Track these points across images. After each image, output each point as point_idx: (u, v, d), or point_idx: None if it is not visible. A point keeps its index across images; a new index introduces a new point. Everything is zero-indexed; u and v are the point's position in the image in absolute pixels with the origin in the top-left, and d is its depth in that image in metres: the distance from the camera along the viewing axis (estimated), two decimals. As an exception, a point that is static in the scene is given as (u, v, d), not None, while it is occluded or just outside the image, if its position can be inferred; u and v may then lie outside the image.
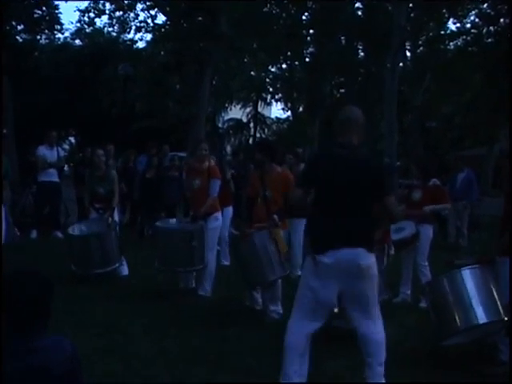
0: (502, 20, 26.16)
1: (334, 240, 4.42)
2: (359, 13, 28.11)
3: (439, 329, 5.62)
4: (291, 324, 4.67)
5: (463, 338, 5.65)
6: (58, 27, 25.69)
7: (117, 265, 8.89)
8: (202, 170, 8.26)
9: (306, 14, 28.19)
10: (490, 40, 27.09)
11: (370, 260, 4.51)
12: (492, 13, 26.17)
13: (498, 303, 5.34)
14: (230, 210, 10.35)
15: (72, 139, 17.81)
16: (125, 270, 9.12)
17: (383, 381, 4.65)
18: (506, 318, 5.33)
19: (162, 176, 13.63)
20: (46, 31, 26.02)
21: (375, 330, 4.63)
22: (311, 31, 29.32)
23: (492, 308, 5.36)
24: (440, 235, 13.37)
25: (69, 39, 34.58)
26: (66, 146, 16.24)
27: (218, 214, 8.39)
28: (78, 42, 35.08)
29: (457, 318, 5.39)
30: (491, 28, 26.74)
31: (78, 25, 28.96)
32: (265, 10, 26.17)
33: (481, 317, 5.31)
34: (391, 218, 5.18)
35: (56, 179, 12.91)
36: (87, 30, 32.09)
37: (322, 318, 4.63)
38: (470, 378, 5.35)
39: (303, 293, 4.60)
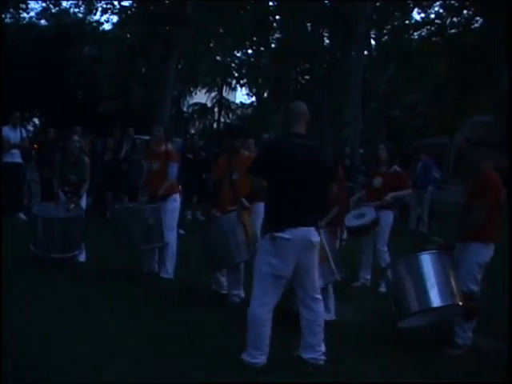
0: (465, 11, 26.53)
1: (292, 219, 4.92)
2: (326, 0, 28.18)
3: (397, 310, 5.78)
4: (254, 302, 5.01)
5: (421, 321, 5.80)
6: (23, 6, 25.26)
7: (76, 252, 8.75)
8: (159, 152, 8.39)
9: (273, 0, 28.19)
10: (453, 31, 27.45)
11: (317, 237, 5.11)
12: (456, 4, 26.50)
13: (455, 288, 5.51)
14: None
15: (36, 120, 17.59)
16: (82, 257, 8.96)
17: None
18: (461, 303, 5.50)
19: (120, 158, 13.67)
20: (11, 10, 25.55)
21: (317, 316, 5.19)
22: (278, 17, 29.33)
23: (448, 292, 5.52)
24: (401, 221, 13.61)
25: (34, 19, 33.98)
26: (31, 128, 16.05)
27: (177, 196, 8.51)
28: (43, 22, 34.48)
29: (413, 300, 5.55)
30: (455, 19, 27.10)
31: (44, 5, 28.51)
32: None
33: (435, 300, 5.48)
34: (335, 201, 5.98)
35: (19, 160, 12.77)
36: (53, 11, 31.59)
37: (279, 291, 5.06)
38: (428, 359, 5.52)
39: (263, 270, 4.98)
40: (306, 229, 4.96)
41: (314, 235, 5.03)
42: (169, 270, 8.25)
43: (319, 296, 5.23)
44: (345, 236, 7.55)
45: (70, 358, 5.01)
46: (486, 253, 5.70)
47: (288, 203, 4.93)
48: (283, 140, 5.27)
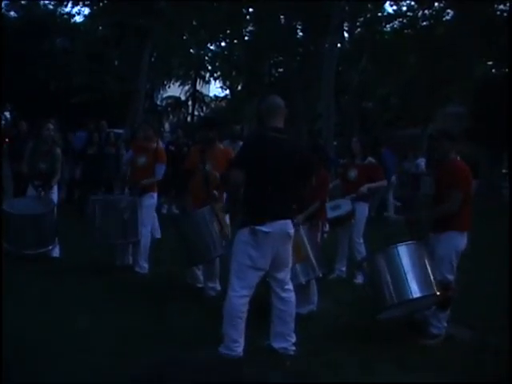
0: (436, 4, 26.72)
1: (271, 213, 5.01)
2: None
3: (375, 303, 5.81)
4: (232, 293, 5.05)
5: (397, 312, 5.85)
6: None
7: (50, 247, 8.68)
8: (149, 148, 8.35)
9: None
10: (425, 23, 27.65)
11: (293, 229, 5.25)
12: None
13: (432, 278, 5.57)
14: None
15: (7, 114, 17.33)
16: (56, 252, 8.87)
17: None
18: (438, 293, 5.56)
19: (102, 152, 13.59)
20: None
21: (288, 306, 5.27)
22: (251, 10, 29.26)
23: (425, 283, 5.57)
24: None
25: (3, 10, 33.34)
26: (2, 121, 15.83)
27: (154, 193, 8.51)
28: (12, 13, 33.88)
29: (392, 292, 5.59)
30: (426, 11, 27.29)
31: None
32: (205, -14, 25.94)
33: (415, 291, 5.53)
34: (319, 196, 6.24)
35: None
36: (22, 2, 31.07)
37: (256, 283, 5.15)
38: (403, 349, 5.57)
39: (242, 262, 5.03)
40: (283, 221, 5.07)
41: (290, 227, 5.16)
42: (142, 265, 8.22)
43: (291, 287, 5.35)
44: (327, 229, 7.58)
45: (44, 355, 4.97)
46: (461, 241, 5.80)
47: (267, 197, 5.00)
48: (263, 134, 5.26)
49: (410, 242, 5.77)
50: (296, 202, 5.44)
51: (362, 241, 8.44)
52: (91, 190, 12.71)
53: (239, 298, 5.02)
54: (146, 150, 8.35)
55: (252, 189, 5.08)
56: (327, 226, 7.73)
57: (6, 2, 31.27)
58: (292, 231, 5.20)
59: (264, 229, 4.96)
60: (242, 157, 5.19)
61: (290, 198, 5.17)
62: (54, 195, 9.03)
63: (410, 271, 5.55)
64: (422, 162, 16.17)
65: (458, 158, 6.00)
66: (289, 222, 5.14)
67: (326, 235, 7.57)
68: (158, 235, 10.35)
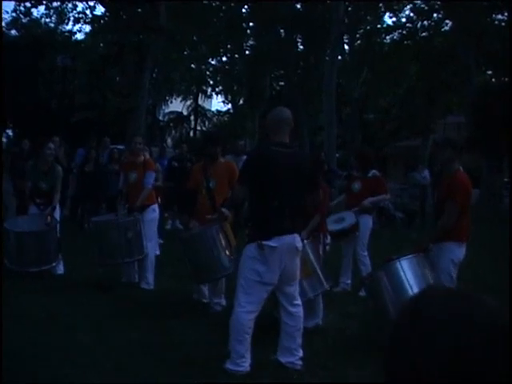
0: (435, 15, 26.88)
1: (277, 227, 4.99)
2: (298, 6, 28.32)
3: (380, 320, 5.81)
4: (239, 309, 5.03)
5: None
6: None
7: (53, 264, 8.65)
8: (137, 163, 8.40)
9: (246, 6, 28.26)
10: (423, 34, 27.80)
11: (301, 243, 5.25)
12: (426, 8, 26.84)
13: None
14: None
15: (9, 132, 17.42)
16: (60, 269, 8.85)
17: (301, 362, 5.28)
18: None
19: (100, 169, 13.64)
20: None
21: (297, 321, 5.25)
22: (251, 24, 29.43)
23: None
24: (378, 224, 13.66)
25: (4, 29, 33.56)
26: (4, 139, 15.89)
27: (155, 206, 8.55)
28: (14, 32, 34.06)
29: (395, 308, 5.58)
30: (425, 22, 27.45)
31: (14, 14, 28.26)
32: (204, 2, 26.12)
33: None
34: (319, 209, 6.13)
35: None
36: (23, 21, 31.28)
37: (265, 298, 5.16)
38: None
39: (250, 277, 5.02)
40: (290, 236, 5.05)
41: (298, 241, 5.13)
42: (149, 281, 8.22)
43: (299, 301, 5.33)
44: (328, 241, 7.58)
45: (44, 370, 4.96)
46: (458, 252, 5.82)
47: (273, 211, 4.99)
48: (265, 148, 5.31)
49: (411, 256, 5.78)
50: (302, 216, 5.40)
51: (366, 253, 8.42)
52: (91, 208, 12.78)
53: (246, 314, 5.01)
54: (134, 166, 8.41)
55: (258, 204, 5.09)
56: (328, 237, 7.76)
57: (7, 21, 31.39)
58: (300, 245, 5.18)
59: (271, 243, 4.94)
60: (245, 172, 5.21)
61: (296, 211, 5.13)
62: (57, 212, 9.03)
63: (414, 285, 5.54)
64: (426, 173, 16.17)
65: (461, 168, 5.99)
66: (296, 236, 5.12)
67: (328, 247, 7.57)
68: (158, 252, 10.36)
